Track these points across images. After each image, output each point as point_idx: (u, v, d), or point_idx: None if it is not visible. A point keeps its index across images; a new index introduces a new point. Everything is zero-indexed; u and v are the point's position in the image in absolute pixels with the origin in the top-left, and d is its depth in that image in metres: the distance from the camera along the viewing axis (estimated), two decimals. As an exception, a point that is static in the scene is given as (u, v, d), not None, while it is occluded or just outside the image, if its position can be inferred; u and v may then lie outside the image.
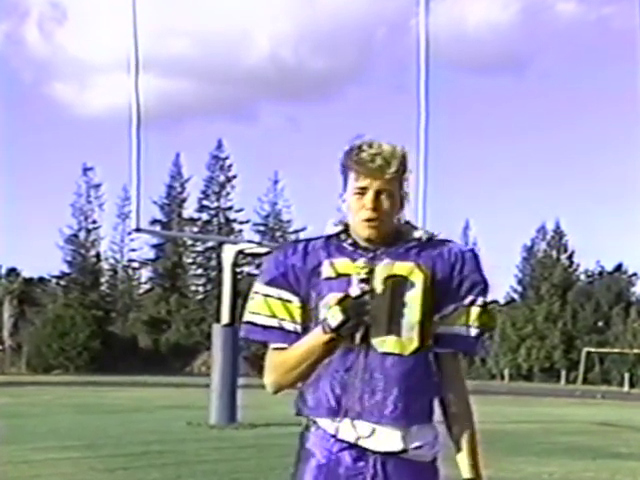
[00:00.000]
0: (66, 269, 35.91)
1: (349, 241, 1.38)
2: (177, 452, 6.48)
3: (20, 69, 49.66)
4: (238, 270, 10.23)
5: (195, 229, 37.10)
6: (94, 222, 36.24)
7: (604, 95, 48.13)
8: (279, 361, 1.38)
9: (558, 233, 34.78)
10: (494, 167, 49.89)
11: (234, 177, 37.10)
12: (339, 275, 1.35)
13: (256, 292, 1.40)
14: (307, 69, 46.29)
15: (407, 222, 1.42)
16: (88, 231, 36.21)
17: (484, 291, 1.40)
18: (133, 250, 37.25)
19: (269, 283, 1.39)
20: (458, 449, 1.39)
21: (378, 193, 1.34)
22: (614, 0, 46.16)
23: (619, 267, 34.52)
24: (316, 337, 1.31)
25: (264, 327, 1.39)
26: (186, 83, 48.83)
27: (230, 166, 37.04)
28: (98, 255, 36.84)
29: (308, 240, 1.42)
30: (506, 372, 31.78)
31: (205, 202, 37.25)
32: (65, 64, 48.52)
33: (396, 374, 1.33)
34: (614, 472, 6.06)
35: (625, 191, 43.82)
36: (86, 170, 35.95)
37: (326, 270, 1.36)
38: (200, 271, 37.99)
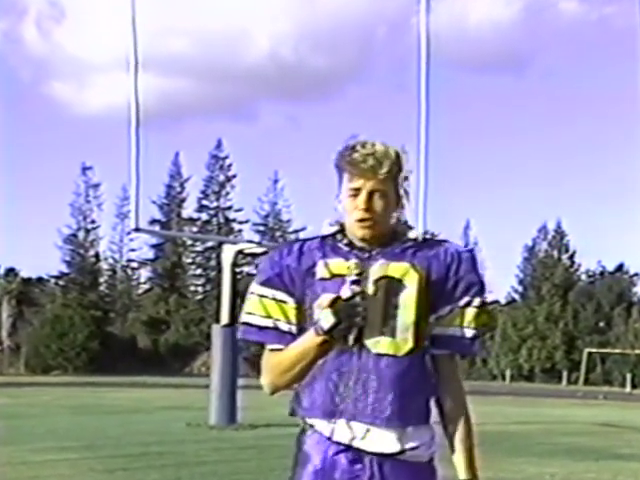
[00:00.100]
0: (65, 269, 35.92)
1: (345, 241, 1.38)
2: (177, 453, 6.47)
3: (18, 68, 49.54)
4: (238, 270, 10.20)
5: (194, 229, 37.07)
6: (93, 222, 36.24)
7: (605, 94, 48.07)
8: (275, 362, 1.38)
9: (559, 233, 34.76)
10: (495, 166, 50.04)
11: (234, 177, 37.13)
12: (333, 276, 1.35)
13: (252, 292, 1.41)
14: (307, 68, 46.31)
15: (404, 222, 1.41)
16: (87, 231, 36.18)
17: (480, 292, 1.39)
18: (132, 250, 37.28)
19: (264, 283, 1.39)
20: (454, 450, 1.38)
21: (371, 193, 1.34)
22: (615, -1, 46.06)
23: (620, 267, 34.53)
24: (309, 339, 1.31)
25: (259, 328, 1.39)
26: (185, 82, 48.83)
27: (230, 166, 37.07)
28: (97, 255, 36.81)
29: (304, 240, 1.41)
30: (507, 373, 31.77)
31: (204, 202, 37.26)
32: (64, 63, 48.57)
33: (391, 375, 1.33)
34: (616, 473, 6.04)
35: (627, 191, 43.79)
36: (85, 169, 35.95)
37: (320, 271, 1.36)
38: (199, 271, 37.96)
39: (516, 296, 35.54)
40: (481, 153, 48.56)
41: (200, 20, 44.24)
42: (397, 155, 1.36)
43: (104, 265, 37.32)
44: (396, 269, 1.35)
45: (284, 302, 1.38)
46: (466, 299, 1.38)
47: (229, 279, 9.53)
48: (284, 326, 1.37)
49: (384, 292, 1.34)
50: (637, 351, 30.01)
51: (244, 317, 1.41)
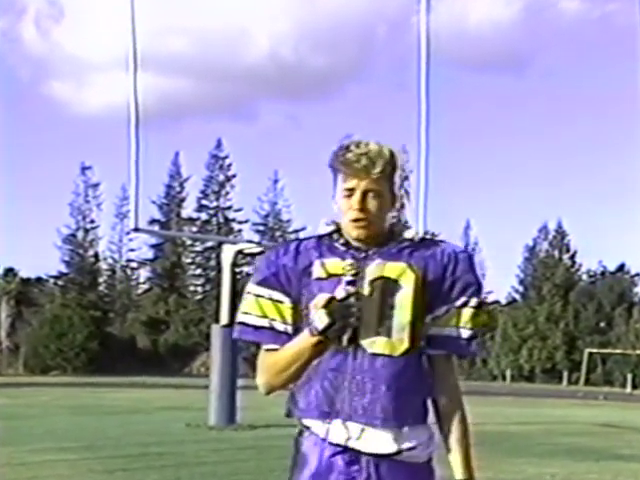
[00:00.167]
0: (64, 269, 35.89)
1: (341, 241, 1.37)
2: (176, 454, 6.46)
3: (17, 67, 49.43)
4: (237, 270, 10.18)
5: (194, 229, 37.05)
6: (92, 222, 36.21)
7: (607, 94, 47.95)
8: (270, 362, 1.38)
9: (560, 233, 34.72)
10: (495, 166, 49.99)
11: (233, 176, 37.11)
12: (330, 275, 1.35)
13: (248, 292, 1.41)
14: (307, 67, 46.33)
15: (401, 221, 1.41)
16: (86, 231, 36.14)
17: (477, 292, 1.38)
18: (132, 250, 37.26)
19: (260, 283, 1.39)
20: (451, 449, 1.38)
21: (365, 193, 1.34)
22: (616, -2, 45.99)
23: (622, 267, 34.46)
24: (304, 339, 1.31)
25: (255, 327, 1.39)
26: (185, 81, 48.84)
27: (229, 165, 37.06)
28: (96, 255, 36.78)
29: (301, 240, 1.42)
30: (508, 373, 31.74)
31: (204, 202, 37.24)
32: (62, 62, 48.54)
33: (386, 375, 1.33)
34: (617, 474, 6.04)
35: (628, 191, 43.82)
36: (84, 169, 35.92)
37: (317, 270, 1.36)
38: (199, 271, 37.95)
39: (517, 296, 35.55)
40: (481, 153, 48.63)
41: (200, 19, 44.34)
42: (391, 154, 1.36)
43: (103, 265, 37.32)
44: (392, 269, 1.35)
45: (280, 302, 1.37)
46: (463, 299, 1.37)
47: (229, 279, 9.51)
48: (280, 326, 1.37)
49: (380, 293, 1.33)
50: (638, 351, 29.97)
51: (240, 317, 1.41)
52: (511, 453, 6.99)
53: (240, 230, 36.76)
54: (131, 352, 32.42)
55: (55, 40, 47.99)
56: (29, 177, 45.74)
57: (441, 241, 1.43)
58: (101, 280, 37.39)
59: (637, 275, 34.49)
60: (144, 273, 38.20)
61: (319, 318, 1.28)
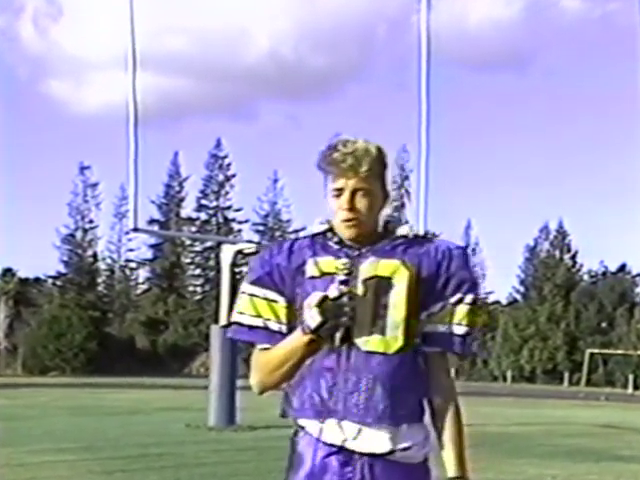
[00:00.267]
0: (62, 269, 35.89)
1: (335, 239, 1.37)
2: (176, 454, 6.44)
3: (15, 66, 49.41)
4: (237, 270, 10.15)
5: (193, 229, 37.05)
6: (91, 222, 36.21)
7: (608, 93, 48.22)
8: (263, 361, 1.37)
9: (561, 233, 34.68)
10: (496, 166, 50.07)
11: (233, 176, 37.12)
12: (323, 274, 1.34)
13: (242, 292, 1.40)
14: (307, 67, 46.45)
15: (394, 218, 1.42)
16: (85, 231, 36.13)
17: (472, 288, 1.37)
18: (130, 250, 37.26)
19: (254, 282, 1.39)
20: (444, 447, 1.37)
21: (354, 192, 1.33)
22: (618, -3, 45.95)
23: (623, 267, 34.43)
24: (297, 338, 1.31)
25: (250, 327, 1.38)
26: (184, 81, 48.90)
27: (229, 165, 37.07)
28: (95, 255, 36.76)
29: (294, 239, 1.41)
30: (508, 374, 31.68)
31: (204, 201, 37.24)
32: (61, 61, 48.63)
33: (381, 373, 1.32)
34: (617, 475, 6.03)
35: (629, 190, 43.86)
36: (83, 169, 35.95)
37: (310, 269, 1.36)
38: (198, 271, 37.93)
39: (518, 296, 35.54)
40: (482, 152, 48.68)
41: (199, 18, 44.37)
42: (379, 152, 1.35)
43: (102, 265, 37.33)
44: (386, 266, 1.34)
45: (275, 301, 1.37)
46: (458, 296, 1.36)
47: (228, 279, 9.48)
48: (274, 325, 1.37)
49: (373, 291, 1.32)
50: (639, 352, 30.02)
51: (234, 316, 1.40)
52: (512, 454, 6.99)
53: (240, 230, 36.84)
54: (130, 352, 32.38)
55: (54, 39, 48.15)
56: (27, 177, 45.84)
57: (435, 238, 1.43)
58: (100, 280, 37.37)
59: (638, 275, 34.48)
60: (143, 273, 38.28)
61: (311, 317, 1.27)
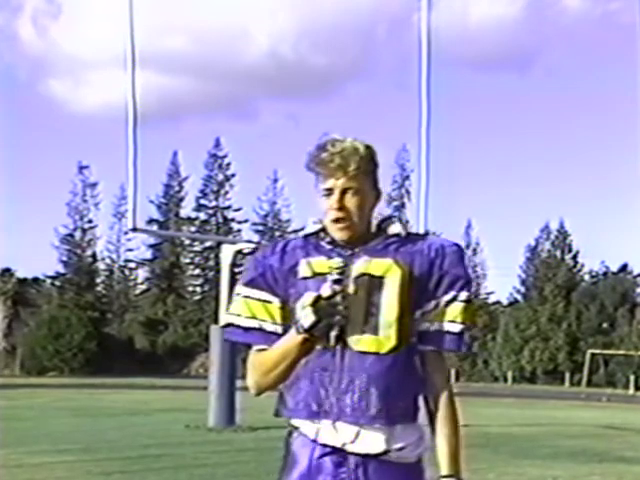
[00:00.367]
0: (61, 269, 35.81)
1: (327, 239, 1.37)
2: (175, 455, 6.42)
3: (14, 65, 49.58)
4: (237, 270, 10.11)
5: (193, 229, 37.01)
6: (90, 221, 36.14)
7: (610, 92, 47.87)
8: (259, 362, 1.38)
9: (562, 233, 34.61)
10: (497, 166, 50.03)
11: (232, 176, 37.08)
12: (315, 274, 1.34)
13: (237, 293, 1.41)
14: (307, 66, 46.39)
15: (388, 217, 1.40)
16: (84, 231, 36.07)
17: (466, 286, 1.37)
18: (130, 250, 37.19)
19: (248, 284, 1.40)
20: (439, 445, 1.36)
21: (344, 192, 1.33)
22: (620, -5, 45.86)
23: (624, 267, 34.36)
24: (291, 338, 1.31)
25: (245, 329, 1.39)
26: (184, 80, 48.83)
27: (228, 165, 37.02)
28: (94, 255, 36.70)
29: (288, 239, 1.42)
30: (509, 374, 31.61)
31: (203, 201, 37.20)
32: (60, 60, 48.54)
33: (374, 373, 1.31)
34: (620, 476, 6.02)
35: (630, 190, 43.80)
36: (82, 168, 35.87)
37: (303, 269, 1.36)
38: (198, 271, 37.89)
39: (518, 297, 35.47)
40: (483, 152, 48.72)
41: (198, 17, 44.35)
42: (368, 150, 1.35)
43: (101, 265, 37.27)
44: (379, 265, 1.34)
45: (269, 302, 1.37)
46: (452, 294, 1.35)
47: (228, 279, 9.45)
48: (269, 327, 1.37)
49: (365, 290, 1.32)
50: (641, 352, 30.06)
51: (230, 318, 1.41)
52: (514, 455, 6.98)
53: (239, 230, 36.80)
54: (129, 353, 32.33)
55: (52, 38, 48.06)
56: (26, 176, 45.80)
57: (429, 236, 1.42)
58: (99, 280, 37.32)
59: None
60: (142, 273, 38.22)
61: (305, 316, 1.27)
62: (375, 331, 1.32)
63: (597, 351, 30.75)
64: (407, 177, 34.44)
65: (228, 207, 37.20)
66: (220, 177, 36.99)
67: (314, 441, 1.33)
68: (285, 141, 49.20)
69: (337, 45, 45.16)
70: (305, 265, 1.36)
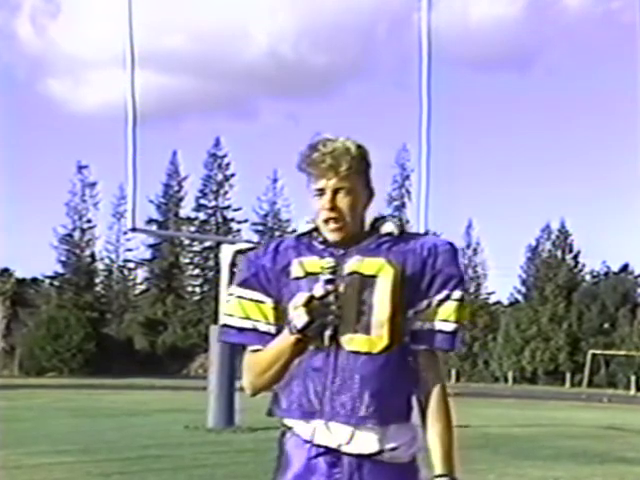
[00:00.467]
0: (60, 269, 35.77)
1: (320, 239, 1.37)
2: (174, 456, 6.41)
3: (12, 65, 49.48)
4: (236, 270, 10.08)
5: (192, 228, 36.98)
6: (89, 221, 36.11)
7: (610, 92, 47.74)
8: (253, 363, 1.38)
9: (563, 233, 34.53)
10: (497, 165, 49.99)
11: (232, 175, 37.06)
12: (308, 274, 1.35)
13: (231, 294, 1.42)
14: (307, 65, 46.36)
15: (381, 217, 1.40)
16: (83, 230, 36.03)
17: (460, 285, 1.36)
18: (129, 250, 37.16)
19: (242, 284, 1.40)
20: (433, 445, 1.35)
21: (335, 192, 1.33)
22: (621, -7, 45.78)
23: (625, 267, 34.25)
24: (284, 339, 1.32)
25: (239, 329, 1.39)
26: (183, 79, 48.82)
27: (228, 164, 37.00)
28: (93, 255, 36.67)
29: (280, 240, 1.42)
30: (510, 375, 31.55)
31: (202, 201, 37.17)
32: (59, 59, 48.51)
33: (367, 373, 1.31)
34: (621, 477, 6.02)
35: (632, 190, 43.75)
36: (81, 168, 35.84)
37: (295, 269, 1.36)
38: (197, 271, 37.86)
39: (519, 297, 35.38)
40: (483, 152, 48.69)
41: (198, 16, 44.28)
42: (360, 150, 1.35)
43: (100, 265, 37.23)
44: (371, 265, 1.33)
45: (262, 302, 1.38)
46: (445, 292, 1.35)
47: (227, 280, 9.42)
48: (263, 327, 1.37)
49: (357, 289, 1.32)
50: (642, 353, 29.98)
51: (224, 319, 1.41)
52: (514, 456, 6.96)
53: (239, 230, 36.77)
54: (128, 353, 32.30)
55: (51, 37, 48.00)
56: (25, 176, 45.79)
57: (422, 235, 1.42)
58: (98, 280, 37.28)
59: (641, 275, 34.47)
60: (141, 273, 38.18)
61: (298, 316, 1.27)
62: (367, 331, 1.32)
63: (598, 351, 30.67)
64: (407, 177, 34.45)
65: (228, 207, 37.19)
66: (220, 177, 36.97)
67: (308, 441, 1.33)
68: (285, 141, 49.10)
69: (337, 44, 45.18)
70: (297, 265, 1.36)
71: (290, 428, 1.36)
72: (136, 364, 30.58)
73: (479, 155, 48.34)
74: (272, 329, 1.36)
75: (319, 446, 1.33)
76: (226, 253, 9.61)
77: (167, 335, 34.46)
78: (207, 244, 35.82)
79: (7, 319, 31.25)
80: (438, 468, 1.33)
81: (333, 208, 1.32)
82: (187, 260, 37.96)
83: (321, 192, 1.34)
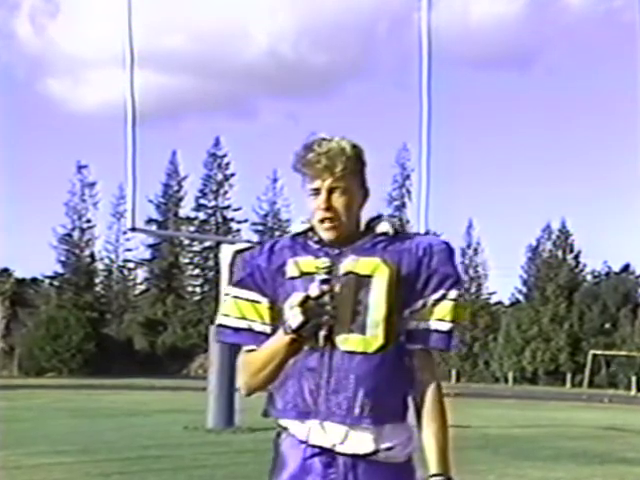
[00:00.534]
0: (60, 269, 35.75)
1: (315, 239, 1.37)
2: (174, 457, 6.40)
3: (11, 64, 49.42)
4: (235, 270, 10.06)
5: (192, 228, 36.95)
6: (88, 221, 36.07)
7: (610, 91, 47.68)
8: (248, 363, 1.38)
9: (564, 233, 34.45)
10: (498, 165, 49.94)
11: (232, 175, 37.04)
12: (303, 274, 1.35)
13: (226, 294, 1.42)
14: (307, 65, 46.32)
15: (377, 216, 1.40)
16: (82, 230, 36.00)
17: (456, 284, 1.36)
18: (128, 250, 37.14)
19: (237, 284, 1.40)
20: (427, 444, 1.35)
21: (331, 192, 1.33)
22: (623, -8, 45.63)
23: (626, 267, 34.19)
24: (279, 339, 1.31)
25: (235, 329, 1.39)
26: (183, 79, 48.77)
27: (228, 164, 36.98)
28: (92, 255, 36.64)
29: (276, 239, 1.43)
30: (510, 375, 31.50)
31: (202, 201, 37.15)
32: (58, 59, 48.48)
33: (362, 373, 1.31)
34: (621, 478, 6.03)
35: (633, 190, 43.62)
36: (80, 168, 35.82)
37: (290, 269, 1.37)
38: (197, 271, 37.84)
39: (520, 297, 35.32)
40: (484, 151, 48.64)
41: (198, 15, 44.25)
42: (355, 150, 1.35)
43: (100, 265, 37.20)
44: (366, 264, 1.33)
45: (258, 302, 1.38)
46: (441, 292, 1.35)
47: (227, 280, 9.38)
48: (259, 327, 1.37)
49: (352, 289, 1.32)
50: (643, 353, 29.89)
51: (220, 319, 1.41)
52: (514, 456, 6.95)
53: (239, 230, 36.76)
54: (128, 354, 32.28)
55: (51, 37, 47.93)
56: (24, 176, 45.73)
57: (417, 234, 1.43)
58: (97, 281, 37.25)
59: (642, 276, 34.38)
60: (141, 273, 38.17)
61: (293, 316, 1.27)
62: (362, 330, 1.31)
63: (599, 352, 30.58)
64: (408, 176, 34.40)
65: (227, 207, 37.17)
66: (219, 176, 36.94)
67: (303, 442, 1.33)
68: (285, 140, 48.94)
69: (337, 44, 45.12)
70: (292, 265, 1.36)
71: (285, 429, 1.35)
72: (136, 364, 30.57)
73: (480, 155, 48.36)
74: (268, 329, 1.36)
75: (314, 446, 1.32)
76: (226, 253, 9.59)
77: (167, 335, 34.45)
78: (207, 244, 35.79)
79: (6, 319, 31.23)
80: (433, 467, 1.33)
81: (329, 208, 1.32)
82: (187, 260, 37.94)
83: (316, 192, 1.34)
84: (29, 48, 47.25)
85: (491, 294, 37.01)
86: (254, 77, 45.38)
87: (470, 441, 7.76)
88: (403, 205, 34.64)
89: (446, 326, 1.34)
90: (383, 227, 1.37)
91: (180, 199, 37.23)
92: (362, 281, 1.32)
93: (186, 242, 37.74)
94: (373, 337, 1.32)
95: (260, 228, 36.65)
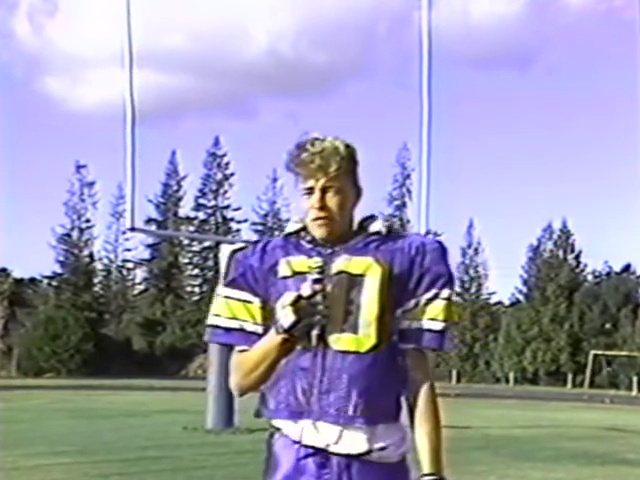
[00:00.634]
0: (58, 269, 35.64)
1: (307, 238, 1.38)
2: (173, 457, 6.40)
3: (10, 63, 49.21)
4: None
5: (191, 228, 36.90)
6: (87, 221, 35.98)
7: (610, 91, 47.47)
8: (240, 363, 1.38)
9: (565, 233, 34.33)
10: (499, 165, 49.82)
11: (232, 175, 36.98)
12: (295, 273, 1.35)
13: (218, 294, 1.41)
14: (307, 64, 46.22)
15: (370, 216, 1.39)
16: (81, 230, 35.92)
17: (448, 283, 1.36)
18: (127, 250, 37.05)
19: (229, 284, 1.40)
20: (420, 444, 1.34)
21: (324, 191, 1.33)
22: (624, -9, 45.59)
23: (627, 267, 34.14)
24: (271, 339, 1.31)
25: (226, 329, 1.39)
26: (182, 78, 48.64)
27: (227, 164, 36.92)
28: (91, 255, 36.57)
29: (268, 239, 1.43)
30: (511, 375, 31.46)
31: (202, 200, 37.09)
32: (57, 58, 48.27)
33: (355, 372, 1.31)
34: (622, 478, 6.04)
35: (634, 190, 43.64)
36: (79, 168, 35.72)
37: (282, 269, 1.36)
38: (196, 271, 37.79)
39: (520, 297, 35.23)
40: (484, 151, 48.58)
41: (197, 15, 44.16)
42: (348, 149, 1.35)
43: (98, 265, 37.11)
44: (358, 264, 1.33)
45: (249, 302, 1.37)
46: (433, 291, 1.35)
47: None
48: (250, 327, 1.37)
49: (344, 288, 1.32)
50: (644, 353, 29.86)
51: (211, 319, 1.41)
52: (515, 457, 6.94)
53: (238, 230, 36.69)
54: (127, 354, 32.24)
55: (49, 35, 47.81)
56: (23, 175, 45.76)
57: (410, 233, 1.44)
58: (96, 281, 37.18)
59: (643, 276, 34.37)
60: (140, 273, 38.08)
61: (285, 316, 1.26)
62: (354, 330, 1.31)
63: (600, 352, 30.54)
64: (408, 176, 34.34)
65: (227, 206, 37.11)
66: (219, 176, 36.89)
67: (296, 442, 1.32)
68: (285, 140, 47.82)
69: (337, 43, 45.03)
70: (285, 264, 1.35)
71: (278, 429, 1.35)
72: (135, 365, 30.52)
73: (480, 154, 48.25)
74: (259, 329, 1.35)
75: (307, 447, 1.32)
76: (225, 253, 9.56)
77: (166, 335, 34.40)
78: (206, 244, 35.76)
79: (5, 319, 31.18)
80: (426, 467, 1.32)
81: (322, 207, 1.32)
82: (186, 260, 37.89)
83: (310, 191, 1.33)
84: (27, 47, 47.23)
85: (491, 294, 36.97)
86: (254, 76, 45.35)
87: (471, 442, 7.74)
88: (403, 205, 34.61)
89: (439, 325, 1.34)
90: (376, 226, 1.37)
91: (179, 199, 37.18)
92: (354, 280, 1.31)
93: (185, 242, 37.68)
94: (365, 336, 1.31)
95: (260, 228, 36.60)
